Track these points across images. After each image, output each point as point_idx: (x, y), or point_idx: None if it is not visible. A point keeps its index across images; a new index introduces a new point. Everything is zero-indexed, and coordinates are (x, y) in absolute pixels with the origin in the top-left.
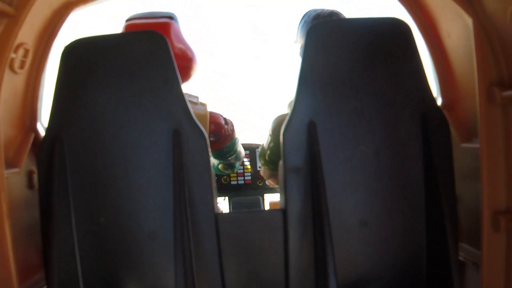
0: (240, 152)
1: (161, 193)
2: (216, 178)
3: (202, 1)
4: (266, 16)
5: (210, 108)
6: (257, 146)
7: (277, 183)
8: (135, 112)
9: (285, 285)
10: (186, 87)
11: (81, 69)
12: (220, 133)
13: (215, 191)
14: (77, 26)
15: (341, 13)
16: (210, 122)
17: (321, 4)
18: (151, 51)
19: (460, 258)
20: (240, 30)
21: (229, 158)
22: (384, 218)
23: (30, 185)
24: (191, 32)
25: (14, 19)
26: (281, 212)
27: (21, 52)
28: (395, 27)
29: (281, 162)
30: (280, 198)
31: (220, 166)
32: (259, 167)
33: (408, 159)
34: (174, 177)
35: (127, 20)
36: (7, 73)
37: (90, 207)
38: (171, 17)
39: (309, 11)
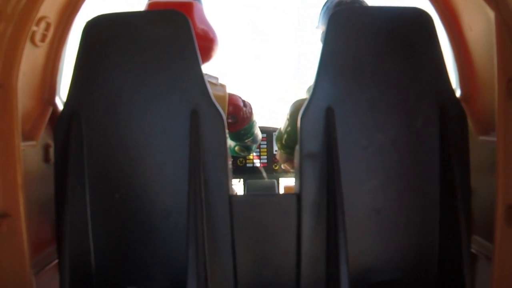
0: (257, 135)
1: (176, 173)
2: (232, 160)
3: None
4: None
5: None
6: (274, 129)
7: (293, 168)
8: (154, 91)
9: (297, 270)
10: (207, 68)
11: (101, 46)
12: (238, 115)
13: (230, 173)
14: (101, 2)
15: (364, 1)
16: (229, 104)
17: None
18: (173, 31)
19: (472, 250)
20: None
21: (246, 141)
22: (398, 207)
23: (46, 158)
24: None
25: None
26: (296, 196)
27: (42, 25)
28: (417, 17)
29: (297, 147)
30: (295, 182)
31: (236, 148)
32: (276, 150)
33: (425, 150)
34: (190, 157)
35: None
36: (28, 46)
37: (105, 184)
38: None
39: None
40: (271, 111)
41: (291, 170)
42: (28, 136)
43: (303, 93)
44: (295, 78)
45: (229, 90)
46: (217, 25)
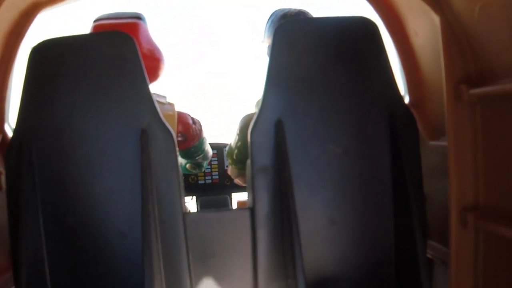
0: (207, 152)
1: (129, 193)
2: (183, 177)
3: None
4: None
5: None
6: (224, 145)
7: (245, 182)
8: (103, 113)
9: (254, 284)
10: (154, 87)
11: (48, 70)
12: (188, 132)
13: (182, 191)
14: (46, 27)
15: (308, 13)
16: (178, 122)
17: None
18: (119, 52)
19: (429, 255)
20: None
21: (197, 158)
22: (353, 216)
23: None
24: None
25: None
26: (249, 211)
27: None
28: (362, 25)
29: (248, 161)
30: (248, 197)
31: (188, 165)
32: (227, 166)
33: (376, 157)
34: (142, 177)
35: (94, 21)
36: None
37: (59, 208)
38: (139, 17)
39: (276, 10)
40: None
41: (244, 185)
42: None
43: None
44: None
45: (178, 108)
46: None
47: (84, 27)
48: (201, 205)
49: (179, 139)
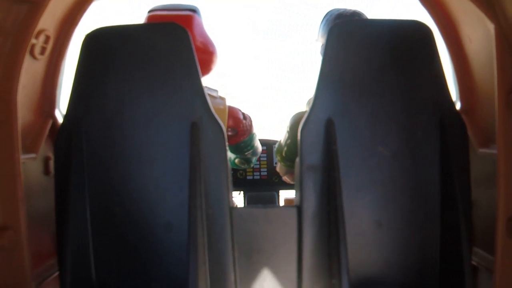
0: (257, 148)
1: (177, 186)
2: (232, 172)
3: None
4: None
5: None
6: (274, 142)
7: (293, 180)
8: (154, 104)
9: (298, 282)
10: (206, 81)
11: (101, 58)
12: (238, 127)
13: (230, 185)
14: (100, 15)
15: (363, 13)
16: (229, 117)
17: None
18: (173, 44)
19: (473, 262)
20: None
21: (246, 153)
22: (399, 220)
23: (46, 171)
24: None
25: (36, 5)
26: (296, 209)
27: (42, 38)
28: (417, 29)
29: (297, 159)
30: (296, 195)
31: (236, 160)
32: (276, 163)
33: (425, 162)
34: (190, 170)
35: (149, 11)
36: (27, 59)
37: (106, 196)
38: (194, 10)
39: (331, 10)
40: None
41: (292, 183)
42: (28, 148)
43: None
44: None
45: (229, 103)
46: (217, 25)
47: (138, 17)
48: (248, 200)
49: (229, 133)
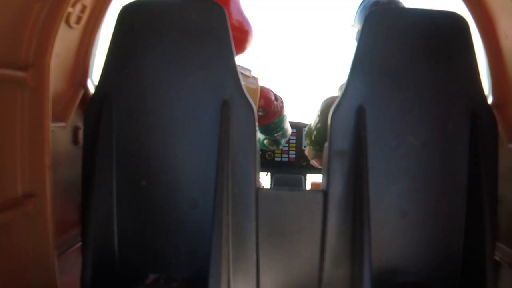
0: (287, 130)
1: (204, 162)
2: (260, 153)
3: None
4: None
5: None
6: (304, 125)
7: (321, 164)
8: (186, 80)
9: (320, 266)
10: (240, 60)
11: (136, 31)
12: (269, 108)
13: (258, 166)
14: None
15: (400, 2)
16: (260, 97)
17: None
18: (209, 21)
19: (496, 257)
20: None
21: (276, 135)
22: (424, 210)
23: (75, 140)
24: None
25: None
26: (322, 193)
27: (78, 7)
28: (453, 21)
29: (326, 144)
30: (323, 179)
31: (265, 141)
32: (304, 146)
33: (454, 154)
34: (219, 148)
35: None
36: (63, 27)
37: (133, 169)
38: None
39: None
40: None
41: (319, 167)
42: (58, 117)
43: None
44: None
45: (261, 83)
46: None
47: None
48: (275, 182)
49: (260, 113)
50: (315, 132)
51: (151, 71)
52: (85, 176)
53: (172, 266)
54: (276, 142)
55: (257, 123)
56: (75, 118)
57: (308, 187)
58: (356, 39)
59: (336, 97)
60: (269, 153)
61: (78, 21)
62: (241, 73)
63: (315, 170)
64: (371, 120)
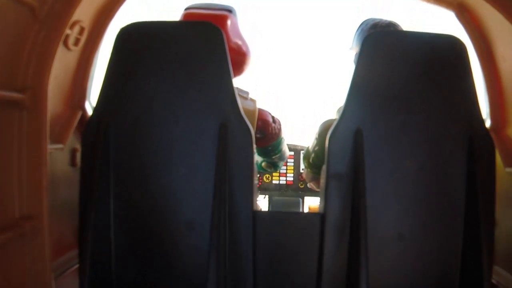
0: (284, 152)
1: (202, 185)
2: (258, 175)
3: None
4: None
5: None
6: (302, 148)
7: (319, 187)
8: (184, 102)
9: None
10: (238, 82)
11: (134, 53)
12: (267, 130)
13: (255, 188)
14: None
15: (399, 25)
16: (258, 119)
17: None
18: (206, 43)
19: (493, 281)
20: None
21: (273, 157)
22: (421, 234)
23: (72, 162)
24: None
25: None
26: (320, 216)
27: (76, 29)
28: (451, 44)
29: (324, 167)
30: (320, 202)
31: (263, 164)
32: (302, 169)
33: (451, 178)
34: (216, 170)
35: (186, 9)
36: (61, 49)
37: (130, 190)
38: (229, 10)
39: (367, 19)
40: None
41: (317, 190)
42: (56, 139)
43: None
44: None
45: (260, 105)
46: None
47: (175, 15)
48: (273, 205)
49: (257, 135)
50: (313, 155)
51: (149, 93)
52: (82, 198)
53: (171, 287)
54: (274, 165)
55: (254, 146)
56: (73, 140)
57: (306, 210)
58: (354, 62)
59: (334, 119)
60: (267, 175)
61: (76, 43)
62: (239, 95)
63: (312, 193)
64: (369, 143)
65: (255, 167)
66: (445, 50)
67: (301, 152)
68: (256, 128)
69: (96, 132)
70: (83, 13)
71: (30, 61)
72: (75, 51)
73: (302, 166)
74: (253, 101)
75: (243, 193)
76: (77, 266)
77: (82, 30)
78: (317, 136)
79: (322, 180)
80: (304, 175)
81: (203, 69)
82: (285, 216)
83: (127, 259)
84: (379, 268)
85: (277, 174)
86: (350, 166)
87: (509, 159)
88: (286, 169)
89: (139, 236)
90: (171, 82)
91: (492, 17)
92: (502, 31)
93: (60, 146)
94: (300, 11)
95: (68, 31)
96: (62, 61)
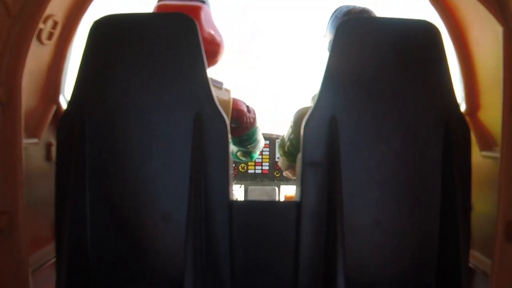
0: (259, 141)
1: (178, 175)
2: (234, 165)
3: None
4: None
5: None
6: (277, 137)
7: (294, 175)
8: (159, 93)
9: (294, 277)
10: (212, 72)
11: (108, 46)
12: (242, 120)
13: (231, 178)
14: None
15: (372, 11)
16: (233, 109)
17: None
18: (180, 34)
19: (470, 265)
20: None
21: (249, 146)
22: (398, 219)
23: (48, 157)
24: None
25: None
26: (296, 204)
27: (49, 23)
28: (425, 30)
29: (299, 155)
30: (296, 190)
31: (238, 153)
32: (278, 158)
33: (427, 163)
34: (192, 161)
35: (159, 1)
36: (34, 43)
37: (106, 184)
38: (203, 1)
39: (340, 6)
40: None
41: (293, 178)
42: (31, 133)
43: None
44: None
45: (234, 95)
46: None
47: (148, 6)
48: (249, 194)
49: (232, 125)
50: (288, 143)
51: (122, 86)
52: (58, 192)
53: (147, 279)
54: (249, 154)
55: (229, 135)
56: (47, 135)
57: (282, 198)
58: (328, 49)
59: (309, 107)
60: (243, 165)
61: (49, 37)
62: (213, 85)
63: (288, 182)
64: (344, 130)
65: (231, 157)
66: (419, 35)
67: (276, 141)
68: (231, 118)
69: (71, 126)
70: (56, 7)
71: (3, 57)
72: (49, 45)
73: (277, 155)
74: (227, 91)
75: (219, 183)
76: (54, 260)
77: (55, 24)
78: (292, 124)
79: (298, 168)
80: (279, 164)
81: (177, 60)
82: (261, 205)
83: (104, 252)
84: (356, 254)
85: (253, 164)
86: (326, 154)
87: (485, 143)
88: (262, 158)
89: (116, 229)
90: (145, 73)
91: (465, 1)
92: (476, 14)
93: (35, 140)
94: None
95: (41, 25)
96: (36, 56)
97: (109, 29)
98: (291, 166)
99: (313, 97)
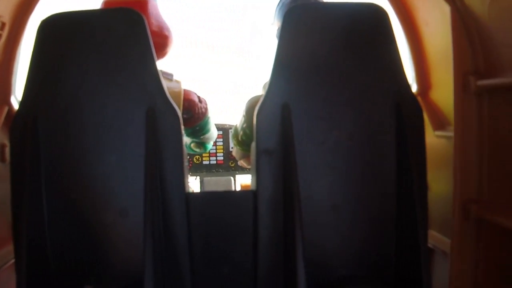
0: (212, 132)
1: (133, 170)
2: (188, 157)
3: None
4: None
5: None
6: (230, 126)
7: (249, 164)
8: (110, 89)
9: (254, 266)
10: (162, 64)
11: (56, 44)
12: (194, 110)
13: (186, 170)
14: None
15: None
16: (184, 99)
17: None
18: (128, 29)
19: (429, 245)
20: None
21: (202, 137)
22: (355, 203)
23: (2, 158)
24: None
25: None
26: (252, 193)
27: None
28: (373, 12)
29: (253, 144)
30: (252, 179)
31: (192, 145)
32: (232, 147)
33: (381, 145)
34: (146, 155)
35: None
36: None
37: (62, 182)
38: None
39: None
40: None
41: (248, 167)
42: None
43: None
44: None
45: (185, 86)
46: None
47: (95, 3)
48: (205, 186)
49: (184, 116)
50: (241, 133)
51: (74, 84)
52: (14, 193)
53: (108, 277)
54: (203, 145)
55: (182, 127)
56: (0, 136)
57: (238, 188)
58: (276, 37)
59: (260, 96)
60: (197, 156)
61: None
62: (164, 77)
63: (244, 171)
64: (297, 117)
65: (185, 149)
66: (366, 19)
67: (230, 130)
68: (183, 109)
69: (24, 126)
70: (3, 8)
71: None
72: None
73: (231, 144)
74: (178, 82)
75: (174, 175)
76: (13, 261)
77: (3, 25)
78: (244, 113)
79: (252, 157)
80: (234, 154)
81: (127, 55)
82: (217, 196)
83: (64, 251)
84: (315, 240)
85: (207, 155)
86: (279, 141)
87: (438, 122)
88: (216, 149)
89: (74, 227)
90: (95, 70)
91: None
92: None
93: None
94: None
95: None
96: None
97: (57, 27)
98: (245, 155)
99: (264, 85)
